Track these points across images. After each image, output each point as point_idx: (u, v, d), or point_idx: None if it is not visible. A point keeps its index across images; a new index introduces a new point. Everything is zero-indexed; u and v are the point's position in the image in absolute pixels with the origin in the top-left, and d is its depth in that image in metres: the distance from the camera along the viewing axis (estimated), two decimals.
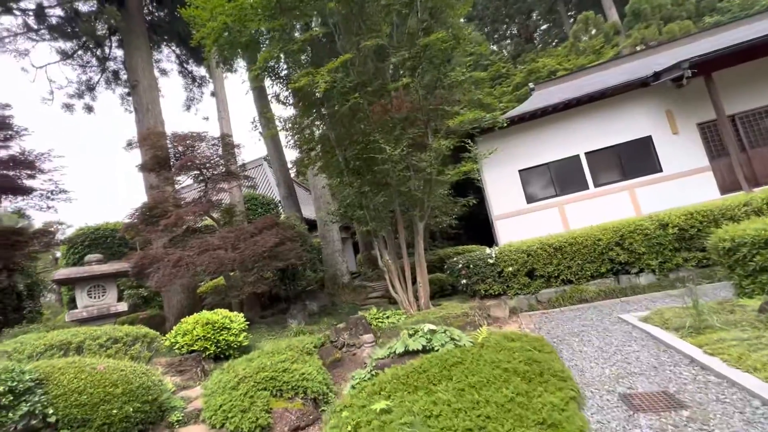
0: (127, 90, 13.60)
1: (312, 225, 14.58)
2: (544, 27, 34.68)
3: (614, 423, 2.94)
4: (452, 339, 4.24)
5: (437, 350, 4.11)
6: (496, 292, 7.96)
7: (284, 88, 8.12)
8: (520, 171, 11.23)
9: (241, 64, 17.62)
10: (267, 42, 7.31)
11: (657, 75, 9.59)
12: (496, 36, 34.02)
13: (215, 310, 6.30)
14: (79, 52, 12.45)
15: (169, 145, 8.35)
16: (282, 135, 15.94)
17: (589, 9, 23.46)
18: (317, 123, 7.80)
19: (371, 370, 4.13)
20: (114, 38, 13.38)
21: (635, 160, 10.48)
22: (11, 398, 3.21)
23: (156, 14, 13.55)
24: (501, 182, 11.27)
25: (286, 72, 7.88)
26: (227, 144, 8.59)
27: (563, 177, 11.02)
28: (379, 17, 6.28)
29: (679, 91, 10.08)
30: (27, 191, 8.98)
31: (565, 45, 22.13)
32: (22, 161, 8.62)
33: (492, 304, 7.61)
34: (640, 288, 7.07)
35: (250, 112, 25.22)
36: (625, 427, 2.87)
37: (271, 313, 10.00)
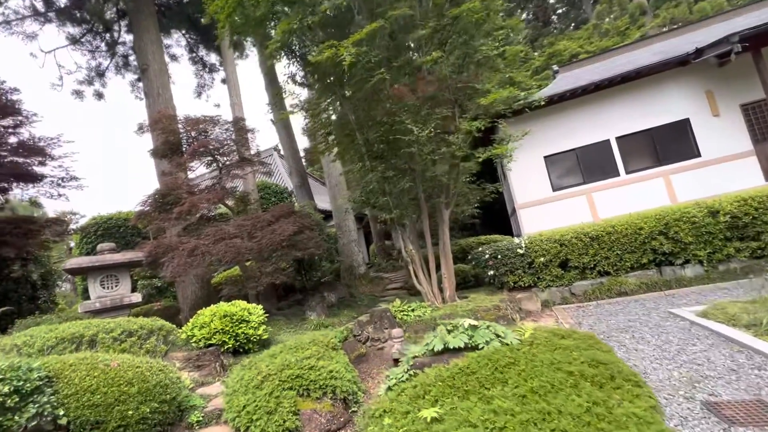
0: (137, 76, 13.26)
1: (325, 215, 14.23)
2: (561, 10, 33.39)
3: None
4: (497, 336, 3.83)
5: (481, 348, 3.70)
6: (526, 284, 7.51)
7: (300, 68, 7.66)
8: (545, 157, 10.65)
9: (253, 51, 17.19)
10: (283, 17, 6.82)
11: (699, 51, 8.86)
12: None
13: (233, 302, 5.96)
14: (88, 37, 12.10)
15: (181, 130, 7.97)
16: (294, 124, 15.56)
17: None
18: (336, 104, 7.33)
19: (408, 369, 3.74)
20: (123, 23, 13.02)
21: (671, 144, 9.82)
22: (17, 399, 2.90)
23: None
24: (525, 169, 10.70)
25: (302, 51, 7.42)
26: (241, 128, 8.18)
27: (592, 163, 10.41)
28: None
29: (721, 70, 9.38)
30: (38, 178, 8.74)
31: (587, 27, 21.18)
32: (32, 147, 8.35)
33: (523, 296, 7.17)
34: (686, 280, 6.55)
35: (261, 101, 24.65)
36: None
37: (288, 304, 9.69)
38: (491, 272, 7.76)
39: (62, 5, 11.11)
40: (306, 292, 9.88)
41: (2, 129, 8.96)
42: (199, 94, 15.25)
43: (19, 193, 9.79)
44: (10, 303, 9.61)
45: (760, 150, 9.13)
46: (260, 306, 6.15)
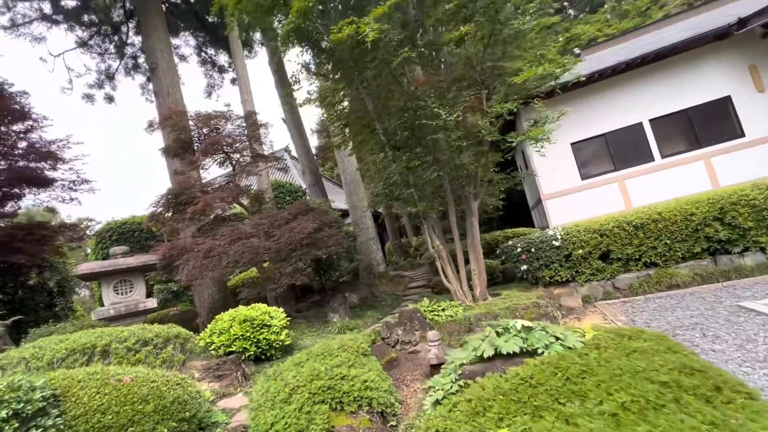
0: (147, 76, 13.05)
1: (341, 214, 13.82)
2: None
3: None
4: (556, 338, 3.34)
5: (541, 353, 3.21)
6: (563, 279, 6.95)
7: (314, 56, 7.24)
8: (572, 144, 10.02)
9: (262, 50, 16.86)
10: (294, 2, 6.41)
11: (743, 22, 8.15)
12: None
13: (252, 306, 5.58)
14: (96, 40, 11.92)
15: (192, 127, 7.64)
16: (305, 123, 15.17)
17: None
18: (354, 91, 6.89)
19: (456, 379, 3.27)
20: (131, 24, 12.82)
21: (711, 124, 9.11)
22: (17, 425, 2.53)
23: None
24: (551, 157, 10.08)
25: (316, 37, 6.98)
26: (254, 123, 7.81)
27: (623, 148, 9.75)
28: None
29: (766, 42, 8.66)
30: (49, 182, 8.52)
31: (604, 10, 20.34)
32: (42, 151, 8.12)
33: (561, 292, 6.63)
34: (747, 270, 5.92)
35: (271, 102, 24.43)
36: None
37: (307, 306, 9.31)
38: (524, 267, 7.23)
39: (70, 7, 10.92)
40: (325, 292, 9.48)
41: (13, 133, 8.79)
42: (209, 94, 15.00)
43: (31, 199, 9.62)
44: (27, 311, 9.46)
45: None
46: (281, 309, 5.75)
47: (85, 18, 11.66)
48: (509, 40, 6.02)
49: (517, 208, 13.92)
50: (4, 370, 3.99)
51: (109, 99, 13.14)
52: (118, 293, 6.55)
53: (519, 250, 7.31)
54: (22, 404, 2.59)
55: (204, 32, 14.29)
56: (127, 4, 11.43)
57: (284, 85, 12.96)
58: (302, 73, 7.31)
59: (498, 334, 3.57)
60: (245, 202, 8.09)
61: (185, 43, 14.13)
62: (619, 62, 9.21)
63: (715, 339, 3.97)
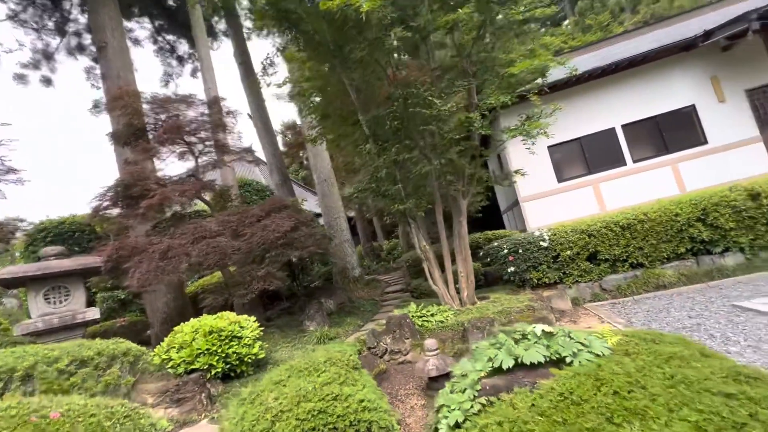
0: (93, 57, 11.63)
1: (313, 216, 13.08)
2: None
3: None
4: (583, 345, 2.97)
5: (570, 362, 2.82)
6: (551, 281, 6.77)
7: (291, 40, 6.59)
8: (549, 147, 10.05)
9: (225, 48, 15.79)
10: None
11: (708, 34, 8.55)
12: None
13: (219, 314, 4.82)
14: (32, 13, 10.43)
15: (148, 111, 6.68)
16: (274, 121, 14.25)
17: None
18: (334, 80, 6.32)
19: (474, 397, 2.80)
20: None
21: (678, 132, 9.50)
22: None
23: None
24: (528, 160, 10.07)
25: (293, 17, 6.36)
26: (219, 110, 7.00)
27: (598, 153, 9.95)
28: None
29: (726, 55, 9.18)
30: None
31: (568, 23, 21.24)
32: None
33: (551, 294, 6.42)
34: (729, 270, 6.00)
35: (237, 98, 23.28)
36: None
37: (276, 314, 8.52)
38: (511, 269, 6.97)
39: None
40: (296, 298, 8.72)
41: None
42: (167, 83, 13.77)
43: None
44: None
45: (767, 137, 8.96)
46: (253, 318, 5.02)
47: None
48: (505, 28, 5.74)
49: (487, 211, 13.93)
50: None
51: (47, 82, 11.54)
52: (49, 302, 5.46)
53: (506, 251, 7.06)
54: None
55: (162, 16, 13.09)
56: None
57: (250, 78, 12.07)
58: (277, 56, 6.64)
59: (516, 341, 3.15)
60: (209, 198, 7.23)
61: (140, 26, 12.83)
62: (596, 67, 9.36)
63: (726, 340, 3.82)
